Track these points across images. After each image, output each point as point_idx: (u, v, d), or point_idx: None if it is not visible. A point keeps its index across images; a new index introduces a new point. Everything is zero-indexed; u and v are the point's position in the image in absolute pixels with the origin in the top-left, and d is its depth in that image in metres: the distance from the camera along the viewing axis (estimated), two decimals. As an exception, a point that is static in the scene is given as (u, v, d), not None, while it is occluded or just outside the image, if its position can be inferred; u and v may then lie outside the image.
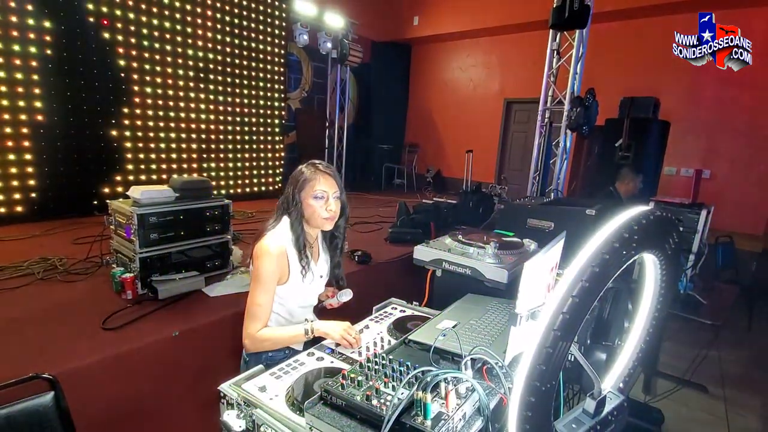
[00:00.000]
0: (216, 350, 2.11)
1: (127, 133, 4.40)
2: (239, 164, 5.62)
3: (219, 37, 5.11)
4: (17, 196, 3.74)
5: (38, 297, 2.24)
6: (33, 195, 3.83)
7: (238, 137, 5.55)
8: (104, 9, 4.08)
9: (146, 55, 4.44)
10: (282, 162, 6.24)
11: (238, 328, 2.11)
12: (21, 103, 3.66)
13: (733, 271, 4.58)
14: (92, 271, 2.62)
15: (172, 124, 4.78)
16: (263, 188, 5.98)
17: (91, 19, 4.01)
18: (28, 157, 3.76)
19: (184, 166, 4.96)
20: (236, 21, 5.27)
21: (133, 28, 4.30)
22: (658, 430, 2.48)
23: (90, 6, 3.98)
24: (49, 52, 3.78)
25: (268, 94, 5.85)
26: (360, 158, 8.12)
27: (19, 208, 3.76)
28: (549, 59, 4.82)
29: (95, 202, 4.22)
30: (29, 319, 1.99)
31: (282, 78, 6.02)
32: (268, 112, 5.89)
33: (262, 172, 5.95)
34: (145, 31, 4.40)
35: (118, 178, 4.39)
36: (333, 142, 7.43)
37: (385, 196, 6.94)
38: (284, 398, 1.15)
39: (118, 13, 4.18)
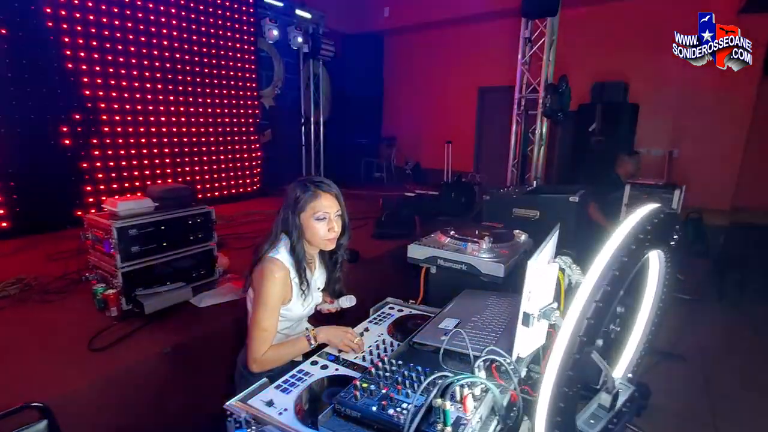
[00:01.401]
0: (211, 365, 2.05)
1: (95, 141, 4.20)
2: (215, 167, 5.46)
3: (185, 36, 4.91)
4: (-21, 213, 3.54)
5: (17, 320, 2.14)
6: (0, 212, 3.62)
7: (212, 139, 5.39)
8: (62, 12, 3.85)
9: (109, 57, 4.23)
10: (260, 162, 6.11)
11: (231, 340, 2.09)
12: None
13: (703, 246, 4.81)
14: (71, 289, 2.51)
15: (142, 129, 4.59)
16: (242, 189, 5.84)
17: (50, 24, 3.79)
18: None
19: (158, 171, 4.79)
20: (202, 18, 5.08)
21: (93, 30, 4.08)
22: (647, 404, 2.59)
23: (48, 10, 3.74)
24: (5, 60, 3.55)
25: (240, 93, 5.70)
26: (338, 154, 8.04)
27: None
28: (522, 47, 4.87)
29: (66, 215, 4.02)
30: (10, 345, 1.89)
31: (254, 76, 5.87)
32: (242, 111, 5.74)
33: (239, 173, 5.81)
34: (106, 32, 4.18)
35: (89, 188, 4.19)
36: (309, 138, 7.32)
37: (366, 191, 6.91)
38: (293, 411, 1.13)
39: (77, 15, 3.96)
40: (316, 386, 1.23)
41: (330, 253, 1.58)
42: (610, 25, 6.03)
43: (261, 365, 1.39)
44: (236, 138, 5.71)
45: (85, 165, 4.14)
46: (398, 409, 0.92)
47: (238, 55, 5.59)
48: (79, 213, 4.05)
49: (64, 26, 3.89)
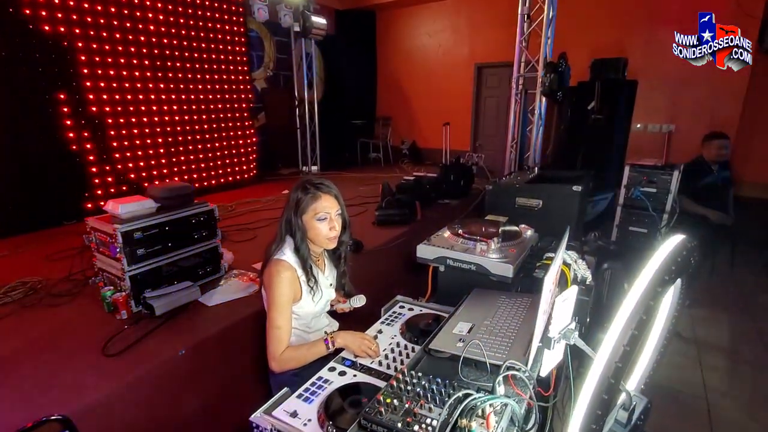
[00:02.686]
0: (227, 363, 2.10)
1: (86, 134, 4.10)
2: (210, 155, 5.38)
3: (171, 19, 4.73)
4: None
5: (25, 327, 2.14)
6: (-8, 210, 3.57)
7: (206, 126, 5.28)
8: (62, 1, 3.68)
9: (94, 45, 4.07)
10: (255, 148, 6.02)
11: (244, 339, 2.12)
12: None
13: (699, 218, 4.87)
14: (77, 291, 2.51)
15: (134, 119, 4.49)
16: (238, 177, 5.79)
17: (28, 12, 3.62)
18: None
19: (152, 162, 4.71)
20: (188, 0, 4.88)
21: (75, 17, 3.91)
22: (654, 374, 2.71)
23: None
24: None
25: (232, 77, 5.55)
26: (333, 135, 7.93)
27: (-21, 226, 3.51)
28: (520, 24, 4.75)
29: (59, 210, 3.98)
30: (22, 354, 1.90)
31: (244, 58, 5.70)
32: (234, 96, 5.61)
33: (236, 160, 5.74)
34: (89, 19, 4.01)
35: (84, 182, 4.13)
36: (304, 120, 7.19)
37: (363, 173, 6.87)
38: (317, 422, 1.17)
39: (56, 1, 3.78)
40: (338, 395, 1.27)
41: (333, 249, 1.64)
42: (610, -1, 5.89)
43: (280, 364, 1.46)
44: (230, 124, 5.60)
45: (77, 159, 4.06)
46: (423, 425, 0.96)
47: (228, 37, 5.41)
48: (89, 205, 4.08)
49: (43, 13, 3.72)
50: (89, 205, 4.13)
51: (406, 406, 1.03)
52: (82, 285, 2.56)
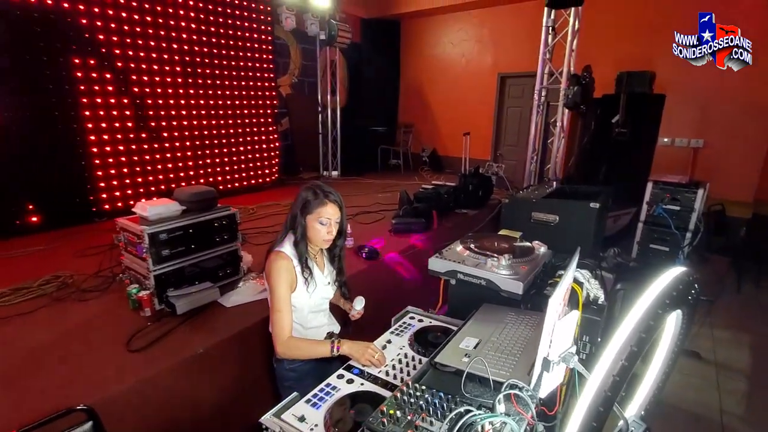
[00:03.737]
0: (241, 364, 2.17)
1: (119, 136, 4.31)
2: (234, 158, 5.55)
3: (203, 27, 4.93)
4: (14, 208, 3.70)
5: (56, 320, 2.27)
6: (31, 207, 3.79)
7: (232, 130, 5.46)
8: (80, 7, 3.90)
9: (130, 53, 4.29)
10: (278, 152, 6.17)
11: (260, 341, 2.19)
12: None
13: (724, 239, 4.72)
14: (105, 287, 2.64)
15: (164, 123, 4.69)
16: (260, 180, 5.94)
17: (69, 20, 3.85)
18: (21, 167, 3.69)
19: (180, 164, 4.90)
20: (219, 9, 5.08)
21: (113, 25, 4.14)
22: (656, 400, 2.65)
23: (65, 4, 3.79)
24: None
25: (258, 83, 5.72)
26: (354, 141, 8.03)
27: (18, 221, 3.72)
28: (544, 37, 4.73)
29: (94, 209, 4.19)
30: (52, 346, 2.02)
31: (271, 65, 5.86)
32: (260, 101, 5.77)
33: (259, 164, 5.89)
34: (126, 28, 4.23)
35: (115, 182, 4.33)
36: (326, 126, 7.33)
37: (382, 179, 6.94)
38: (323, 428, 1.21)
39: (96, 9, 4.01)
40: (344, 404, 1.31)
41: (329, 250, 1.77)
42: (636, 10, 5.79)
43: (284, 348, 1.56)
44: (254, 129, 5.76)
45: (110, 159, 4.27)
46: (424, 439, 0.99)
47: (255, 45, 5.59)
48: (119, 204, 4.29)
49: (83, 22, 3.94)
50: (119, 204, 4.33)
51: (408, 418, 1.06)
52: (110, 282, 2.69)
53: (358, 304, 1.79)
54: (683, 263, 3.44)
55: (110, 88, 4.18)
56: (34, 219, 3.81)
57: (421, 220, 3.96)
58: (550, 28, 4.68)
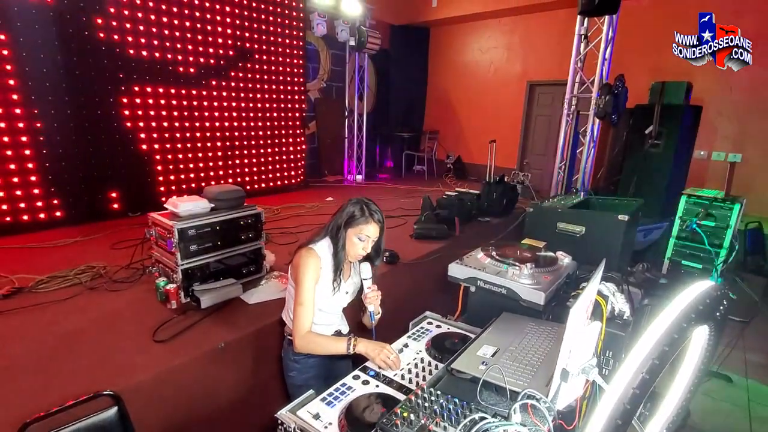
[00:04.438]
0: (260, 359, 2.21)
1: (155, 135, 4.50)
2: (262, 159, 5.69)
3: (238, 33, 5.10)
4: (56, 201, 3.91)
5: (88, 308, 2.38)
6: (70, 199, 3.99)
7: (260, 132, 5.60)
8: (125, 12, 4.11)
9: (169, 56, 4.48)
10: (304, 155, 6.29)
11: (278, 337, 2.22)
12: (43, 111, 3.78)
13: (761, 257, 4.47)
14: (135, 279, 2.75)
15: (197, 124, 4.86)
16: (286, 182, 6.06)
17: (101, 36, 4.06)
18: (63, 163, 3.91)
19: (210, 164, 5.06)
20: (254, 15, 5.24)
21: (155, 29, 4.33)
22: (684, 423, 2.52)
23: (99, 20, 3.98)
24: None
25: (288, 87, 5.85)
26: (380, 146, 8.09)
27: (58, 213, 3.93)
28: (576, 45, 4.65)
29: (128, 204, 4.38)
30: (84, 332, 2.11)
31: (301, 70, 5.99)
32: (289, 105, 5.91)
33: (285, 165, 6.02)
34: (166, 32, 4.43)
35: (149, 179, 4.52)
36: (353, 130, 7.41)
37: (406, 185, 6.94)
38: (337, 426, 1.23)
39: (140, 15, 4.21)
40: (358, 404, 1.32)
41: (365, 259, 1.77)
42: (673, 18, 5.61)
43: (302, 342, 1.60)
44: (282, 131, 5.89)
45: (145, 158, 4.46)
46: (436, 443, 0.98)
47: (287, 51, 5.73)
48: (152, 200, 4.42)
49: (114, 23, 4.12)
50: (153, 201, 4.51)
51: (422, 422, 1.06)
52: (140, 274, 2.80)
53: (366, 271, 1.72)
54: (717, 282, 3.29)
55: (149, 89, 4.38)
56: (73, 211, 4.02)
57: (442, 227, 3.94)
58: (583, 36, 4.59)
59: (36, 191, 3.78)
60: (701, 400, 2.83)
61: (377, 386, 1.41)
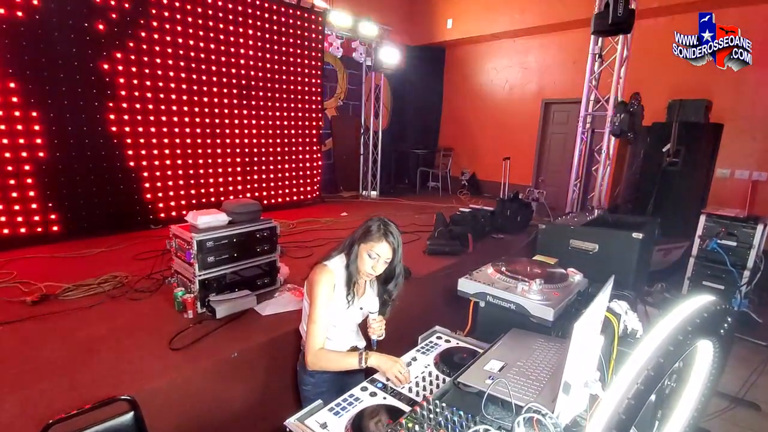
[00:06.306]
0: (271, 369, 2.25)
1: (178, 151, 4.69)
2: (279, 174, 5.84)
3: (260, 54, 5.31)
4: (84, 212, 4.09)
5: (110, 315, 2.47)
6: (97, 211, 4.17)
7: (278, 149, 5.76)
8: (154, 23, 4.34)
9: (194, 76, 4.70)
10: (320, 171, 6.41)
11: (291, 349, 2.26)
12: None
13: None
14: (155, 289, 2.84)
15: (218, 140, 5.04)
16: (302, 197, 6.17)
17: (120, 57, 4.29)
18: (92, 177, 4.10)
19: (230, 179, 5.22)
20: (275, 37, 5.46)
21: (182, 52, 4.56)
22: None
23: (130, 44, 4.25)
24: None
25: (306, 106, 6.02)
26: (395, 162, 8.19)
27: (86, 224, 4.11)
28: (590, 64, 4.67)
29: (151, 217, 4.54)
30: (104, 339, 2.20)
31: (318, 90, 6.17)
32: (306, 123, 6.07)
33: (301, 181, 6.15)
34: (192, 54, 4.65)
35: (171, 193, 4.69)
36: (368, 147, 7.54)
37: (420, 201, 6.98)
38: (344, 437, 1.24)
39: (168, 39, 4.45)
40: (365, 414, 1.34)
41: (384, 282, 1.77)
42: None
43: (314, 359, 1.60)
44: (300, 148, 6.05)
45: (168, 172, 4.64)
46: (439, 454, 0.99)
47: (306, 71, 5.92)
48: (173, 213, 4.65)
49: (144, 46, 4.37)
50: (173, 214, 4.66)
51: (426, 432, 1.07)
52: (160, 284, 2.90)
53: (372, 305, 1.73)
54: (740, 303, 3.19)
55: (174, 108, 4.58)
56: (98, 223, 4.19)
57: (455, 243, 3.95)
58: (597, 55, 4.62)
59: (63, 203, 3.98)
60: (726, 428, 2.72)
61: (384, 398, 1.42)
